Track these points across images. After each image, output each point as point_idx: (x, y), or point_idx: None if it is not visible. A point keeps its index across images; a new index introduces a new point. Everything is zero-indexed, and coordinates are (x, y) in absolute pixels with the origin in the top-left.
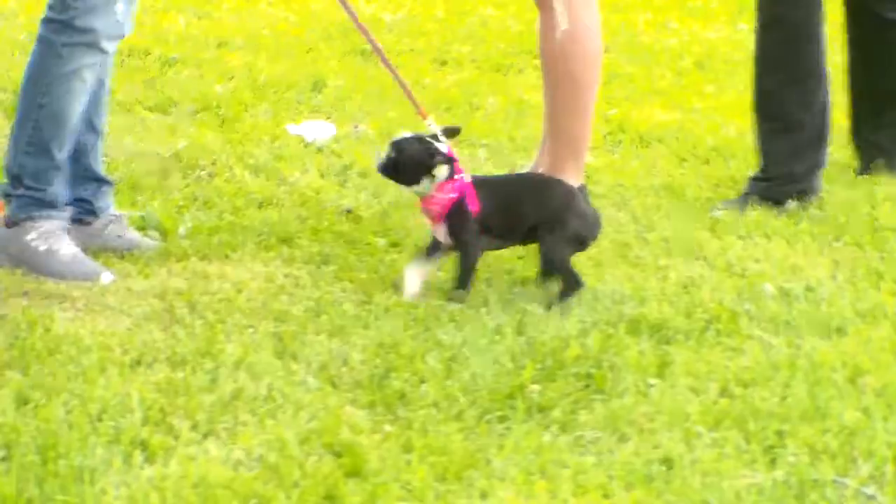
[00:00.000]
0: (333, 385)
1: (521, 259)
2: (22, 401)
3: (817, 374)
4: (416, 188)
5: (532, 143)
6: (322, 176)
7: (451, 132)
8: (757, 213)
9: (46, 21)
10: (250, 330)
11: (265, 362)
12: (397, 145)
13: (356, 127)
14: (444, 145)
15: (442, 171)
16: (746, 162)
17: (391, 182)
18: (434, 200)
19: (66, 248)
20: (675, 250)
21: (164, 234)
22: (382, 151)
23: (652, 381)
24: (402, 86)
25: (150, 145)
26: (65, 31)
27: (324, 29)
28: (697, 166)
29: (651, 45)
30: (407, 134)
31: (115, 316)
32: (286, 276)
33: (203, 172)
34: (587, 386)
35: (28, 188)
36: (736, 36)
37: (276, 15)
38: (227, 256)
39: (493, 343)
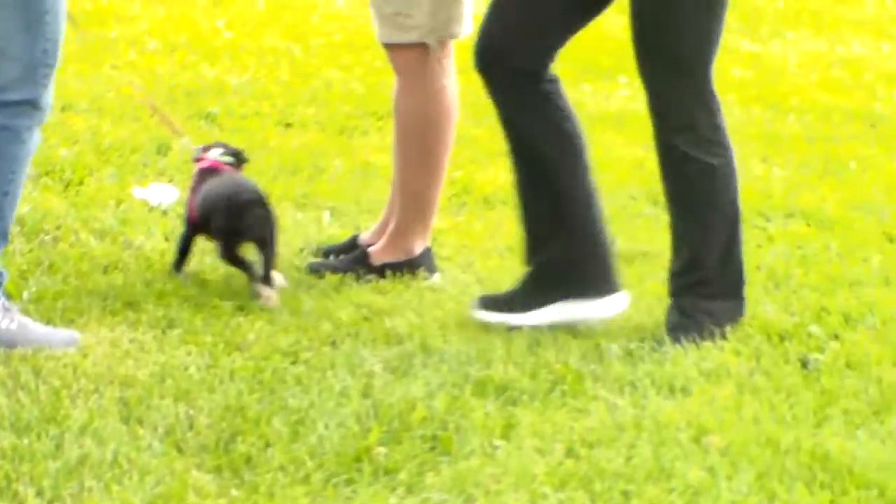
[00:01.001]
0: (179, 450)
1: (366, 321)
2: None
3: (662, 434)
4: None
5: (378, 205)
6: (167, 239)
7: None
8: None
9: (8, 105)
10: (96, 395)
11: (111, 427)
12: None
13: None
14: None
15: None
16: None
17: None
18: None
19: (24, 318)
20: None
21: (8, 298)
22: None
23: (498, 442)
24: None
25: None
26: (27, 114)
27: (168, 92)
28: None
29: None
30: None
31: None
32: (131, 340)
33: (47, 237)
34: (433, 448)
35: None
36: (579, 96)
37: (120, 78)
38: (72, 321)
39: (340, 406)
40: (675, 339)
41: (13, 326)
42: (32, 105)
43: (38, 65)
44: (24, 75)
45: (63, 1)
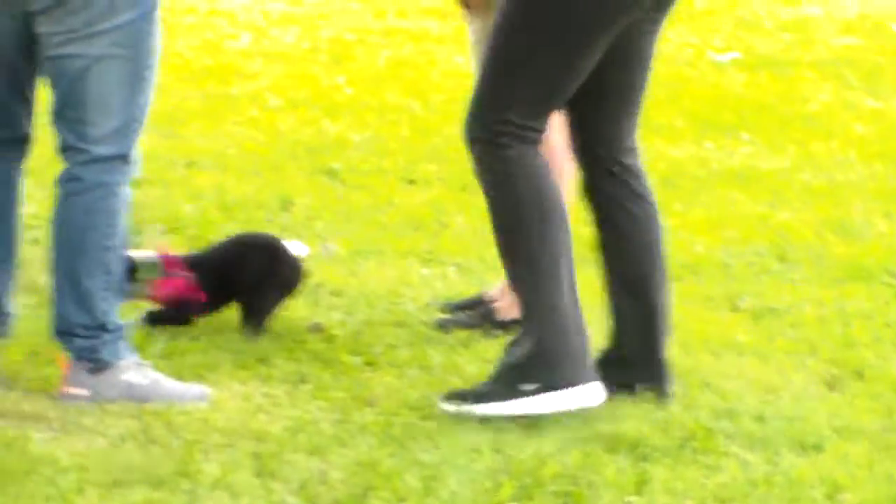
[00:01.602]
0: None
1: None
2: None
3: (795, 492)
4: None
5: None
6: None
7: None
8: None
9: (101, 160)
10: (229, 449)
11: (244, 482)
12: None
13: (326, 246)
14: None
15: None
16: (716, 279)
17: (361, 301)
18: None
19: (155, 374)
20: None
21: (140, 353)
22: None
23: (630, 498)
24: None
25: None
26: (118, 169)
27: (291, 148)
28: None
29: None
30: None
31: (91, 436)
32: (264, 395)
33: None
34: None
35: (113, 331)
36: (702, 153)
37: (243, 134)
38: (201, 376)
39: (471, 461)
40: None
41: (145, 382)
42: (123, 160)
43: (133, 119)
44: (120, 130)
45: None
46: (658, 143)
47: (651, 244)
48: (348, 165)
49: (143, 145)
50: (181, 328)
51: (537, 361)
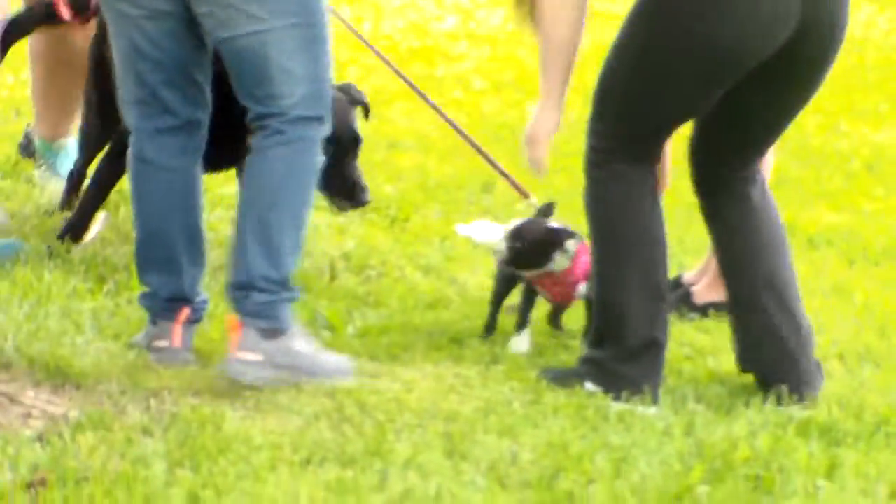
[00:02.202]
0: (502, 485)
1: (689, 360)
2: (193, 499)
3: None
4: (549, 266)
5: (702, 245)
6: (491, 276)
7: (548, 210)
8: None
9: (300, 120)
10: (420, 430)
11: (435, 462)
12: (519, 234)
13: None
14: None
15: (572, 244)
16: None
17: None
18: (572, 270)
19: (315, 344)
20: (845, 353)
21: (334, 332)
22: (498, 247)
23: (821, 482)
24: (497, 167)
25: (319, 245)
26: (316, 128)
27: (494, 131)
28: (867, 268)
29: (820, 148)
30: (517, 222)
31: (285, 415)
32: (456, 375)
33: (373, 272)
34: (756, 488)
35: (291, 290)
36: None
37: (447, 116)
38: (396, 356)
39: (662, 444)
40: None
41: (310, 351)
42: (320, 121)
43: (321, 81)
44: (311, 94)
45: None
46: (862, 128)
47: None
48: (551, 147)
49: None
50: (377, 309)
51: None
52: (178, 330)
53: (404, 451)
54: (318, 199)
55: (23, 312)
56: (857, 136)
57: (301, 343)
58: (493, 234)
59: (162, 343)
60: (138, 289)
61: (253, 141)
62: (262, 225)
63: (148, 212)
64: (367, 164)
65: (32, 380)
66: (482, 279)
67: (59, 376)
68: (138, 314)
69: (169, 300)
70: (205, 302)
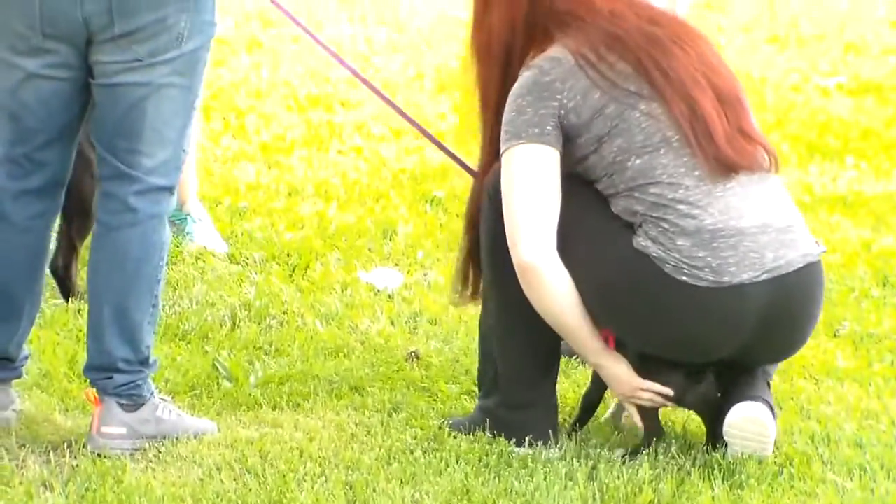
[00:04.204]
0: None
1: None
2: None
3: None
4: None
5: None
6: (392, 323)
7: None
8: (823, 354)
9: (153, 191)
10: (322, 479)
11: None
12: None
13: (425, 274)
14: None
15: None
16: None
17: (460, 329)
18: None
19: (176, 408)
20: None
21: (235, 383)
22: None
23: None
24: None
25: (220, 294)
26: (166, 200)
27: (394, 176)
28: None
29: None
30: None
31: (186, 466)
32: (357, 424)
33: (273, 321)
34: None
35: (151, 366)
36: (807, 178)
37: (346, 163)
38: (298, 405)
39: (566, 489)
40: None
41: (173, 417)
42: (171, 191)
43: (183, 150)
44: (171, 161)
45: None
46: None
47: None
48: (451, 193)
49: (245, 175)
50: (278, 358)
51: None
52: None
53: (307, 500)
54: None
55: None
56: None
57: (162, 410)
58: (393, 280)
59: None
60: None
61: (100, 213)
62: (119, 310)
63: None
64: (268, 212)
65: None
66: (383, 326)
67: None
68: (36, 366)
69: None
70: (26, 358)
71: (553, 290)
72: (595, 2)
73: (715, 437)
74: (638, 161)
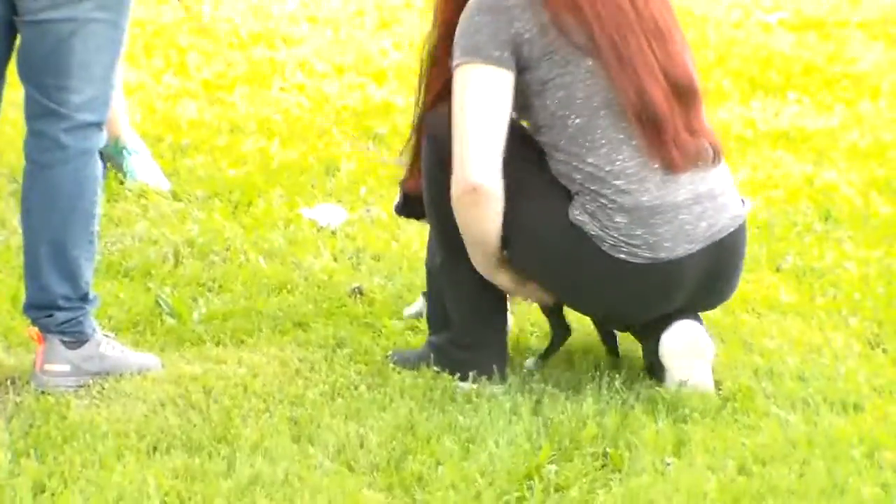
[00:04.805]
0: (350, 468)
1: (536, 339)
2: (39, 489)
3: (835, 451)
4: None
5: None
6: (335, 259)
7: None
8: (766, 288)
9: (82, 127)
10: (266, 415)
11: (282, 447)
12: None
13: (368, 210)
14: None
15: None
16: (759, 239)
17: (403, 265)
18: None
19: (121, 345)
20: None
21: (179, 319)
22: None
23: (669, 459)
24: None
25: (162, 231)
26: (96, 136)
27: (336, 113)
28: None
29: None
30: None
31: (130, 402)
32: (301, 360)
33: (216, 258)
34: (604, 466)
35: (92, 302)
36: (749, 114)
37: (288, 100)
38: (241, 342)
39: (510, 424)
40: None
41: (117, 353)
42: (100, 127)
43: (111, 87)
44: (99, 97)
45: None
46: (706, 105)
47: None
48: (393, 130)
49: (187, 112)
50: (221, 295)
51: None
52: None
53: (251, 436)
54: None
55: None
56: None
57: (106, 346)
58: (336, 216)
59: None
60: None
61: (29, 151)
62: (56, 247)
63: None
64: (210, 149)
65: None
66: (327, 263)
67: None
68: None
69: None
70: None
71: (491, 213)
72: None
73: (652, 369)
74: (578, 121)
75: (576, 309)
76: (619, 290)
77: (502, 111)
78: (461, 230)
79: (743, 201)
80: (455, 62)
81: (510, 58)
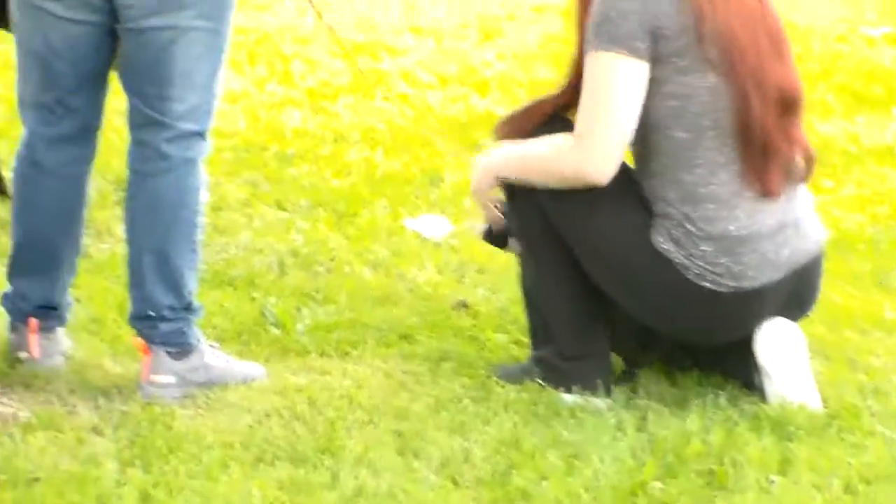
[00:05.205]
0: (455, 482)
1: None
2: (145, 498)
3: None
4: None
5: None
6: (440, 271)
7: None
8: (871, 305)
9: (184, 136)
10: (371, 426)
11: (386, 459)
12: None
13: (473, 222)
14: None
15: None
16: (864, 255)
17: (508, 278)
18: None
19: (226, 354)
20: None
21: (283, 329)
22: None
23: (774, 477)
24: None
25: (267, 241)
26: (199, 146)
27: (440, 123)
28: None
29: None
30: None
31: (235, 413)
32: (406, 372)
33: (321, 268)
34: (709, 483)
35: (196, 311)
36: (853, 129)
37: (392, 110)
38: (346, 353)
39: (615, 440)
40: None
41: (223, 364)
42: (202, 136)
43: (213, 95)
44: (202, 105)
45: None
46: (809, 119)
47: None
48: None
49: (292, 121)
50: (325, 306)
51: None
52: (34, 340)
53: (356, 448)
54: (268, 196)
55: None
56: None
57: (210, 356)
58: (440, 228)
59: (24, 354)
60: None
61: (132, 161)
62: (159, 257)
63: (33, 218)
64: (314, 159)
65: None
66: (431, 275)
67: (7, 376)
68: (85, 312)
69: (38, 307)
70: (70, 305)
71: None
72: None
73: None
74: (683, 135)
75: (653, 327)
76: (701, 316)
77: (637, 107)
78: (544, 175)
79: (820, 225)
80: (594, 48)
81: (649, 48)
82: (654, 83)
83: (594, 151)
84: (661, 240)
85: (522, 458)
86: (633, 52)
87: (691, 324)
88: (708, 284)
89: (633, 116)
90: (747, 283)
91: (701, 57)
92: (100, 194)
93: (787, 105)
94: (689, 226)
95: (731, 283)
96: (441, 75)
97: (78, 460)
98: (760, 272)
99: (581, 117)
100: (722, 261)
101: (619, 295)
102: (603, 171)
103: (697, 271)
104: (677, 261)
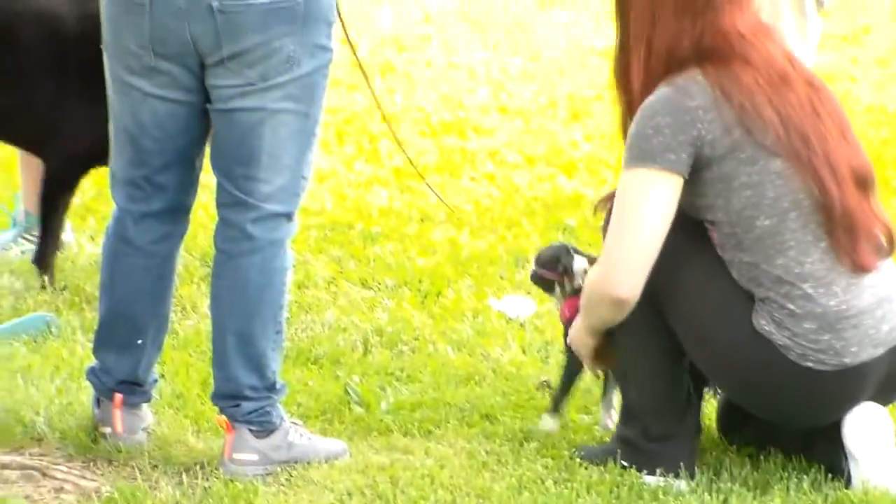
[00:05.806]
0: None
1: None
2: None
3: None
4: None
5: None
6: (524, 352)
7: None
8: None
9: (270, 217)
10: None
11: None
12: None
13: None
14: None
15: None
16: None
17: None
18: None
19: (307, 431)
20: None
21: (367, 408)
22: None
23: None
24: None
25: (352, 319)
26: (284, 228)
27: (526, 204)
28: None
29: None
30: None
31: (317, 491)
32: (488, 452)
33: (405, 347)
34: None
35: (279, 391)
36: None
37: (478, 190)
38: (429, 432)
39: None
40: None
41: (305, 441)
42: (289, 218)
43: (302, 177)
44: (289, 187)
45: None
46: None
47: None
48: (583, 222)
49: (378, 199)
50: (409, 385)
51: None
52: (118, 415)
53: None
54: (353, 274)
55: (55, 386)
56: (891, 212)
57: (293, 434)
58: (525, 308)
59: (107, 430)
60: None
61: (218, 239)
62: (242, 338)
63: (119, 294)
64: (400, 238)
65: (64, 454)
66: (515, 355)
67: (90, 451)
68: (169, 387)
69: (123, 382)
70: (155, 381)
71: (621, 317)
72: (744, 40)
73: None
74: (767, 222)
75: (752, 411)
76: (803, 397)
77: (665, 223)
78: (584, 310)
79: None
80: (625, 165)
81: (687, 160)
82: (725, 180)
83: (615, 269)
84: (763, 322)
85: None
86: (665, 164)
87: (795, 406)
88: (810, 364)
89: (658, 234)
90: (849, 360)
91: (759, 145)
92: (185, 270)
93: (861, 182)
94: (790, 305)
95: (834, 361)
96: (528, 155)
97: None
98: (862, 348)
99: (607, 234)
100: (825, 338)
101: (720, 380)
102: (623, 289)
103: (800, 351)
104: (779, 342)
